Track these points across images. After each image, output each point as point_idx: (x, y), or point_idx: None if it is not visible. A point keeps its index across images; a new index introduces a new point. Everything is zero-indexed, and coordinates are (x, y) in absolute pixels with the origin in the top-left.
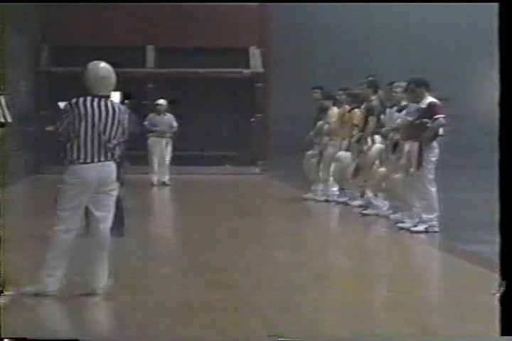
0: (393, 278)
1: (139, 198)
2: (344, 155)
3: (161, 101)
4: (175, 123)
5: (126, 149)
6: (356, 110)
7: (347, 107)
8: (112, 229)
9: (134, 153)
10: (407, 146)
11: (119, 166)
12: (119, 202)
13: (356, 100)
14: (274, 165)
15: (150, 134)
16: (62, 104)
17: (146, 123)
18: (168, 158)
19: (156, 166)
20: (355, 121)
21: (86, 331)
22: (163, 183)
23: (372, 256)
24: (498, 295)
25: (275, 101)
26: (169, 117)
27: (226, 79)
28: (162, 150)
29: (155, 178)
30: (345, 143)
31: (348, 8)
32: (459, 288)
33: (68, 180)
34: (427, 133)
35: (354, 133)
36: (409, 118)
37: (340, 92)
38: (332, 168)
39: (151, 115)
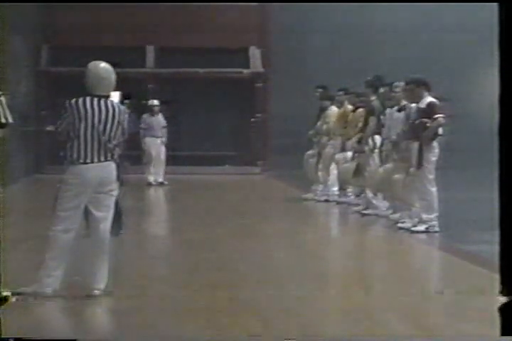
0: (393, 278)
1: (137, 198)
2: (347, 155)
3: (155, 102)
4: (164, 124)
5: (126, 149)
6: (361, 110)
7: (349, 107)
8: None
9: (132, 152)
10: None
11: (118, 166)
12: (116, 202)
13: (361, 100)
14: (274, 165)
15: (146, 134)
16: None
17: (141, 125)
18: (163, 158)
19: (152, 166)
20: (360, 120)
21: (85, 331)
22: (161, 183)
23: (372, 256)
24: (499, 303)
25: (275, 101)
26: (160, 117)
27: (226, 79)
28: (157, 150)
29: (152, 178)
30: (349, 143)
31: (348, 8)
32: (459, 288)
33: (68, 180)
34: (427, 133)
35: (351, 133)
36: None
37: (340, 93)
38: (335, 169)
39: (144, 115)
